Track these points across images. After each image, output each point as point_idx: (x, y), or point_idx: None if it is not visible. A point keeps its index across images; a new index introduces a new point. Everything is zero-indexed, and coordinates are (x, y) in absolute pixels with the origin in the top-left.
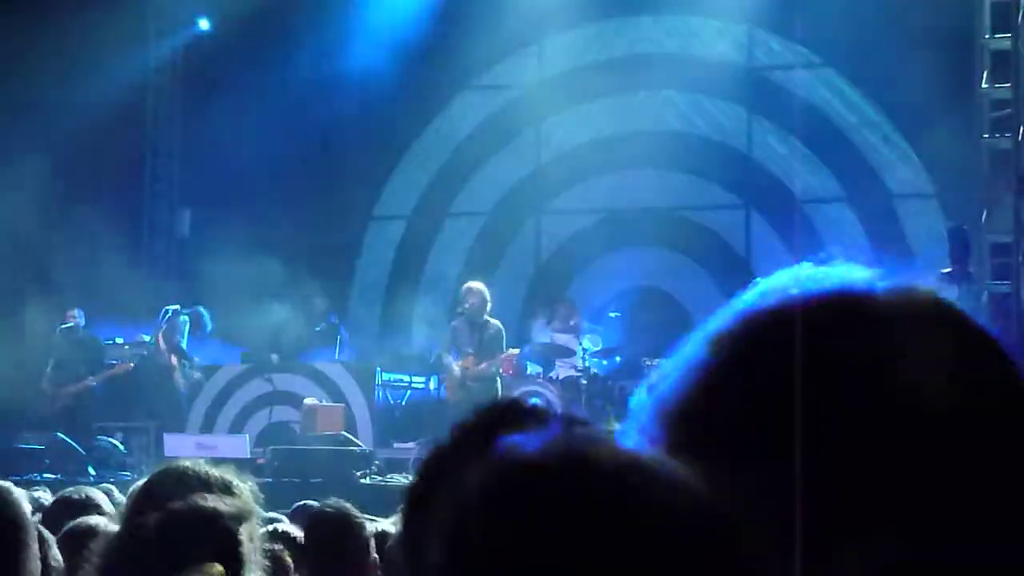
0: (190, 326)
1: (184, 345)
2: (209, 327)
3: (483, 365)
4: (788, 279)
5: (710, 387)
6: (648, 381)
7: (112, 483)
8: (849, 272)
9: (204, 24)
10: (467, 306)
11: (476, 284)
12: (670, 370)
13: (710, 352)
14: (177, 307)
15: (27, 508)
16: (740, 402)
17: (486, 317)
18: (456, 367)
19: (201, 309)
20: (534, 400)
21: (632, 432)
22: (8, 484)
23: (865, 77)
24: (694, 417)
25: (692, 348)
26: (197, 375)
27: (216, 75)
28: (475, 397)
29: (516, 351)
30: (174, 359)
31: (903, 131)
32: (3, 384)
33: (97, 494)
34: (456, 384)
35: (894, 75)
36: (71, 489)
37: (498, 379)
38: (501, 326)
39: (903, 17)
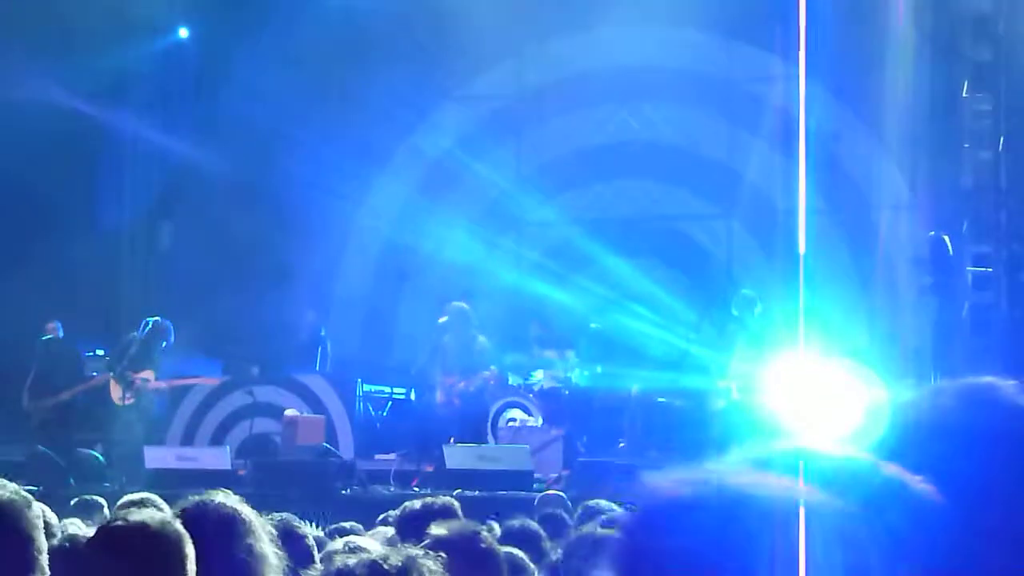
0: (160, 338)
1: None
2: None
3: (469, 381)
4: None
5: None
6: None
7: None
8: None
9: (184, 33)
10: (453, 323)
11: (460, 303)
12: None
13: None
14: (157, 319)
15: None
16: None
17: (472, 333)
18: (441, 385)
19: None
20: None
21: None
22: (25, 498)
23: (845, 88)
24: None
25: None
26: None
27: (196, 84)
28: (462, 412)
29: (495, 368)
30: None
31: (884, 142)
32: None
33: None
34: (440, 400)
35: (874, 86)
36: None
37: (484, 394)
38: (486, 343)
39: (884, 27)
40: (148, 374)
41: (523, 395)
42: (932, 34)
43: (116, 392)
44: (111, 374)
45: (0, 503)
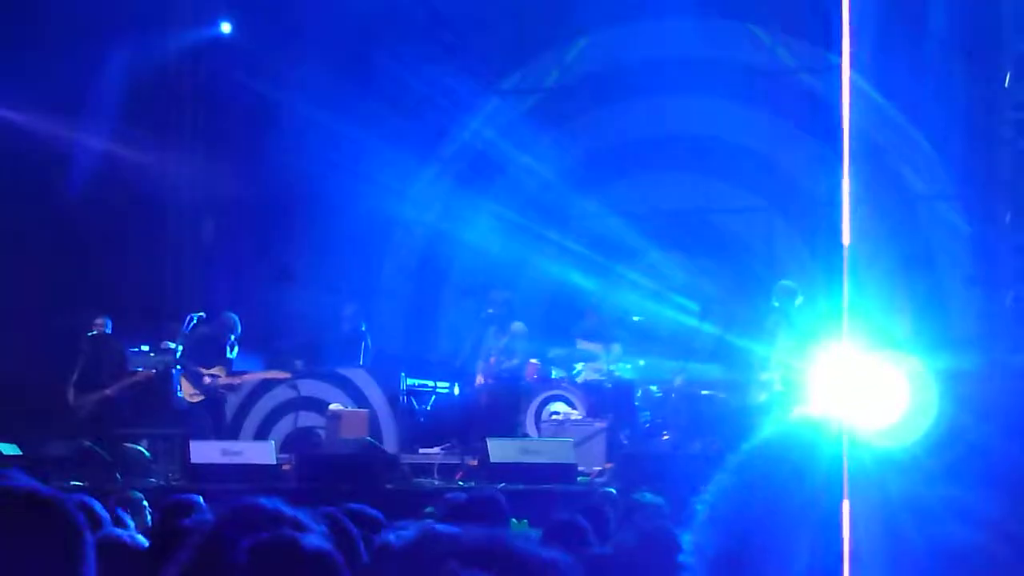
0: (228, 331)
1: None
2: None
3: (505, 364)
4: None
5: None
6: None
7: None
8: None
9: (226, 28)
10: (493, 311)
11: (500, 290)
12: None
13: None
14: (202, 314)
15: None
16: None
17: (511, 321)
18: (479, 376)
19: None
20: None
21: None
22: (57, 495)
23: (888, 79)
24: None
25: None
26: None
27: (239, 79)
28: (501, 398)
29: (536, 361)
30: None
31: (926, 132)
32: (31, 392)
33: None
34: (480, 390)
35: (917, 77)
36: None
37: (524, 381)
38: (524, 328)
39: (927, 18)
40: (219, 370)
41: (566, 388)
42: (974, 25)
43: (187, 389)
44: (155, 372)
45: (42, 500)
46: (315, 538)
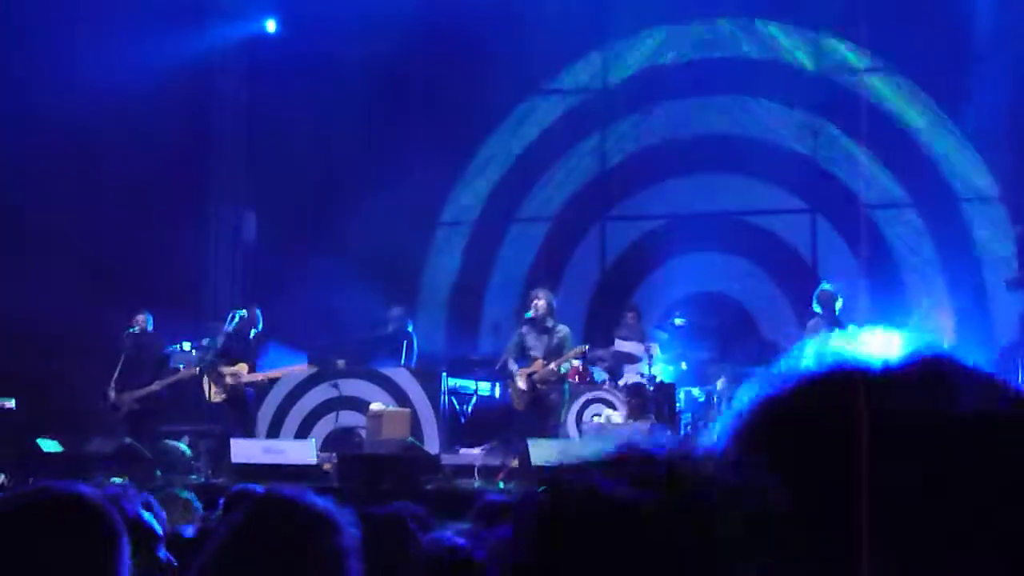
0: (249, 327)
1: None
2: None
3: (552, 366)
4: (845, 345)
5: (773, 416)
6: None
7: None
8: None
9: (271, 26)
10: (534, 313)
11: (542, 291)
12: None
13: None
14: (244, 312)
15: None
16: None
17: (553, 322)
18: (520, 377)
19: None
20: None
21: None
22: (87, 492)
23: (932, 81)
24: (754, 441)
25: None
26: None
27: (282, 77)
28: (543, 399)
29: (586, 347)
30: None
31: (969, 134)
32: (72, 389)
33: None
34: (519, 392)
35: (961, 79)
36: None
37: (566, 382)
38: (568, 330)
39: (971, 21)
40: (241, 367)
41: (607, 390)
42: (1018, 25)
43: (209, 387)
44: (198, 369)
45: (78, 503)
46: (315, 497)
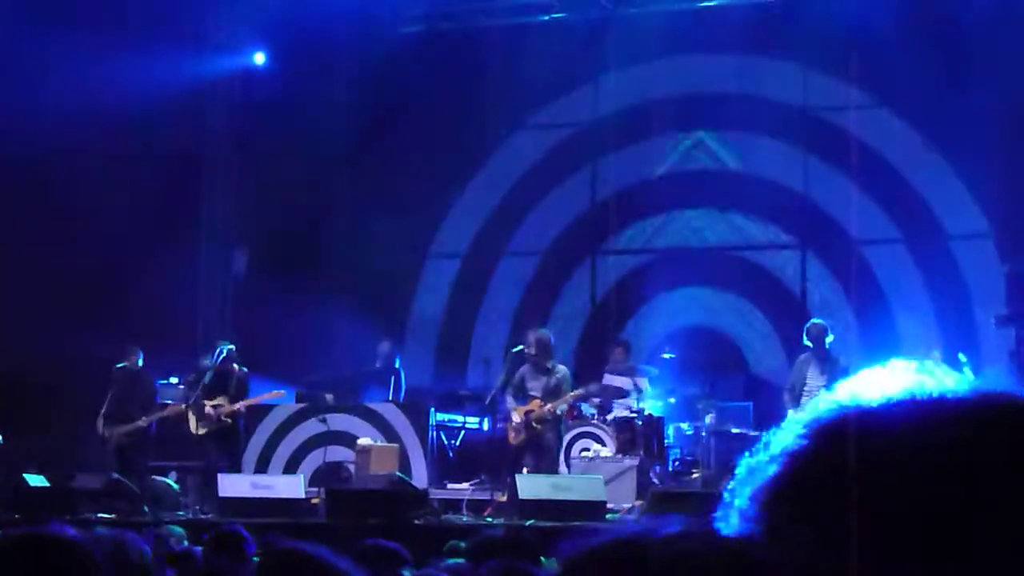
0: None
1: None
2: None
3: (548, 406)
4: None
5: (801, 472)
6: (747, 463)
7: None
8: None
9: (260, 58)
10: (532, 352)
11: (541, 331)
12: (768, 453)
13: (804, 440)
14: (231, 346)
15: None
16: (826, 489)
17: (552, 362)
18: (517, 413)
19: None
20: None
21: (730, 513)
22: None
23: (920, 117)
24: (786, 500)
25: (789, 435)
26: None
27: (271, 111)
28: (539, 438)
29: (583, 390)
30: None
31: (958, 171)
32: (60, 424)
33: None
34: (515, 429)
35: (949, 114)
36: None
37: (562, 423)
38: (567, 371)
39: (958, 56)
40: (222, 400)
41: (596, 424)
42: (1007, 61)
43: (192, 423)
44: (184, 405)
45: (69, 547)
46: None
